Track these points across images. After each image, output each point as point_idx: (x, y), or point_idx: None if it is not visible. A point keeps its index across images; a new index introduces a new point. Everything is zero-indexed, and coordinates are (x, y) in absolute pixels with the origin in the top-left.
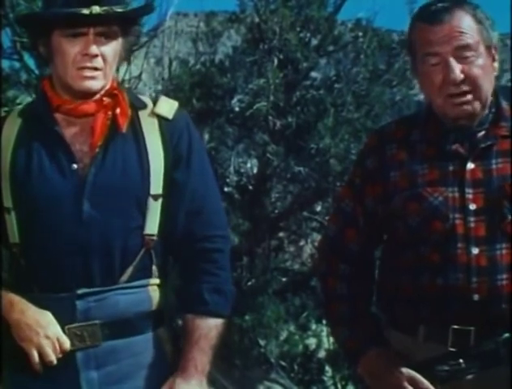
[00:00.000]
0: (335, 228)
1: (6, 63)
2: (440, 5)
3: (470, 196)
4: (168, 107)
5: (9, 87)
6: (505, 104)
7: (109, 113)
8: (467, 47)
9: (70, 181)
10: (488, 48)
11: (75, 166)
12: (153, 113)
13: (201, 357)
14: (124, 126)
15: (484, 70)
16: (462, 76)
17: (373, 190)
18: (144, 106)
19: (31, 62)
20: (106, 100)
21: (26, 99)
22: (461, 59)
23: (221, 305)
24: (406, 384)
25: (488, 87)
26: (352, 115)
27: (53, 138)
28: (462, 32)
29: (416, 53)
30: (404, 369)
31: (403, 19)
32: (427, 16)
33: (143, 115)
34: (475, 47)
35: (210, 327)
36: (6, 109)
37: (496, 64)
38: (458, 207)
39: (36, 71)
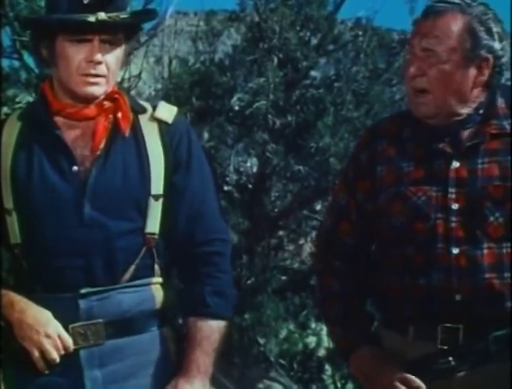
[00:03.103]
0: (330, 222)
1: (5, 62)
2: (441, 4)
3: (452, 196)
4: (167, 112)
5: (9, 86)
6: (500, 102)
7: (110, 116)
8: (429, 51)
9: (71, 184)
10: (470, 58)
11: (76, 168)
12: (153, 118)
13: (204, 359)
14: (126, 129)
15: (449, 77)
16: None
17: (363, 185)
18: (144, 110)
19: (30, 61)
20: (107, 103)
21: (26, 98)
22: (423, 59)
23: (223, 308)
24: (397, 383)
25: (450, 93)
26: (352, 114)
27: (54, 141)
28: (436, 36)
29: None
30: (396, 368)
31: (402, 18)
32: (424, 10)
33: (143, 119)
34: (442, 54)
35: (212, 330)
36: (5, 107)
37: (485, 76)
38: (441, 207)
39: (36, 70)
